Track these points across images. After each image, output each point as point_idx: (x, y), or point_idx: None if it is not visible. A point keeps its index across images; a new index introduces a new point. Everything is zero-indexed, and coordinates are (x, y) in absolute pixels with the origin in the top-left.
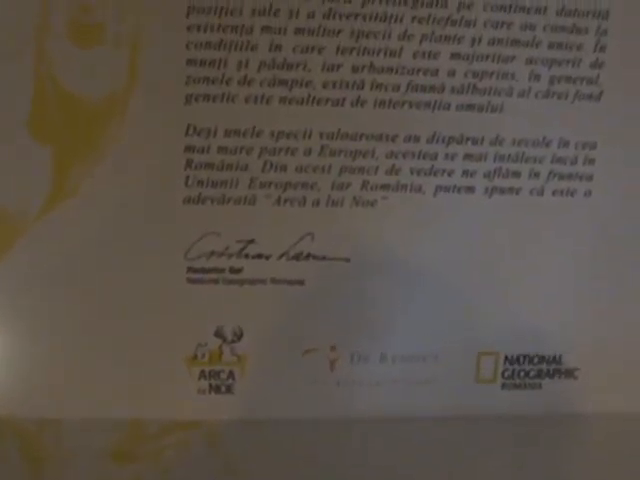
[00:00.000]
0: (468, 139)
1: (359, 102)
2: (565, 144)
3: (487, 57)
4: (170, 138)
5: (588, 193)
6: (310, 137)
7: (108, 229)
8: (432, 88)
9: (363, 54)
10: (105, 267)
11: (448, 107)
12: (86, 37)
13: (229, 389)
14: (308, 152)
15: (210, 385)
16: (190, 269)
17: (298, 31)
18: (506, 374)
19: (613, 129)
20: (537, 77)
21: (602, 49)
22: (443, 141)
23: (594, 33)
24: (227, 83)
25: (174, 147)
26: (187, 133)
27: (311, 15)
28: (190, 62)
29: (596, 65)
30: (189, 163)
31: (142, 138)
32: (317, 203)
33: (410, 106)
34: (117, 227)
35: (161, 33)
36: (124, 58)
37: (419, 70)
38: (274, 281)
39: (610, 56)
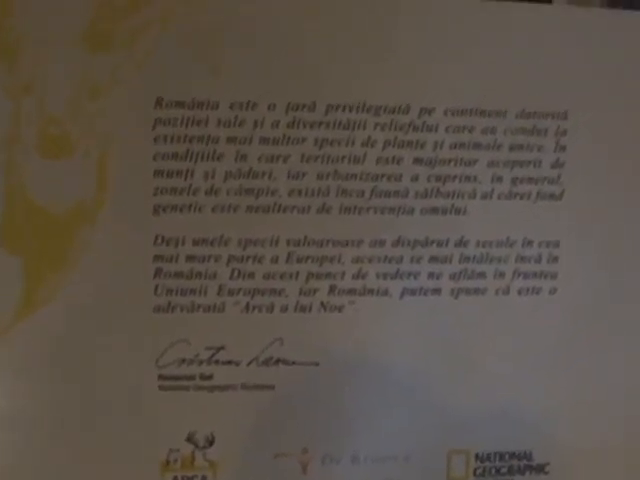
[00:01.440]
0: (433, 242)
1: (324, 209)
2: (529, 243)
3: (449, 161)
4: (139, 248)
5: (553, 291)
6: (277, 244)
7: (79, 338)
8: (396, 193)
9: (327, 162)
10: (75, 376)
11: (412, 211)
12: (55, 149)
13: None
14: (275, 259)
15: None
16: (161, 376)
17: (263, 140)
18: (478, 472)
19: (575, 227)
20: (499, 179)
21: (562, 149)
22: (408, 244)
23: (554, 134)
24: (194, 193)
25: (143, 256)
26: (156, 243)
27: (275, 125)
28: (157, 173)
29: (557, 165)
30: (158, 272)
31: (111, 248)
32: (285, 309)
33: (375, 211)
34: (88, 336)
35: (128, 145)
36: (92, 170)
37: (383, 176)
38: (245, 387)
39: (570, 156)
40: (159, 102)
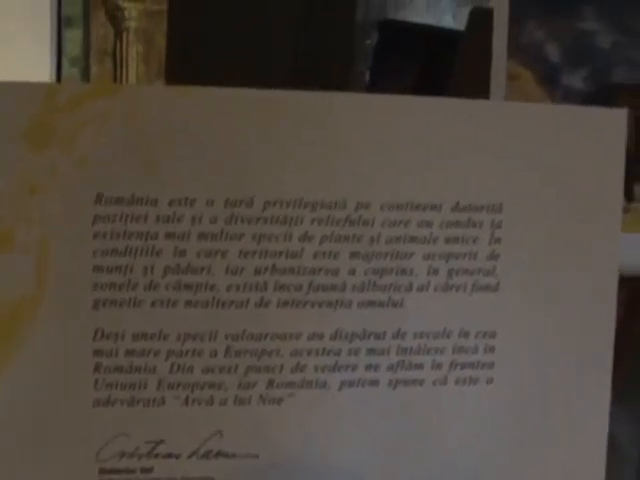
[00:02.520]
0: (371, 334)
1: (263, 303)
2: (465, 334)
3: (386, 255)
4: (79, 342)
5: (490, 381)
6: (216, 339)
7: (18, 432)
8: (333, 287)
9: (265, 256)
10: (14, 471)
11: (350, 305)
12: None
13: None
14: (214, 353)
15: None
16: (102, 470)
17: (201, 236)
18: None
19: (512, 318)
20: (435, 271)
21: (497, 241)
22: (346, 337)
23: (489, 226)
24: (133, 288)
25: (83, 351)
26: (95, 337)
27: (214, 220)
28: (97, 269)
29: (492, 257)
30: (98, 367)
31: (51, 343)
32: (225, 402)
33: (313, 305)
34: (28, 430)
35: (68, 241)
36: (32, 265)
37: (320, 270)
38: None
39: (505, 248)
40: (99, 198)
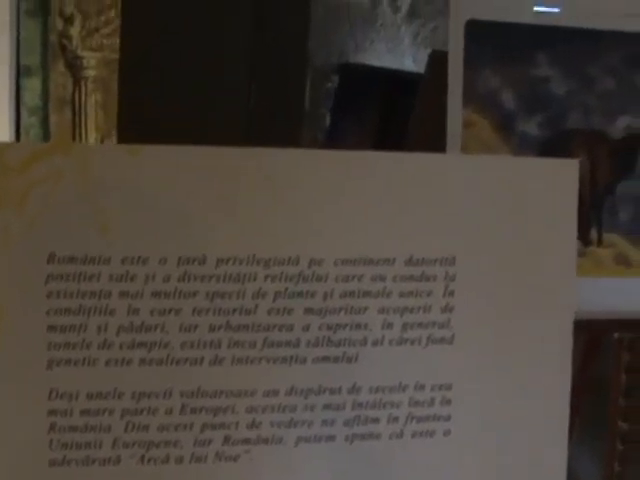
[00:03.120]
0: (326, 390)
1: (217, 360)
2: (421, 387)
3: (340, 310)
4: (33, 402)
5: (447, 433)
6: (171, 396)
7: None
8: (288, 343)
9: (219, 314)
10: None
11: (305, 361)
12: None
13: None
14: (169, 411)
15: None
16: None
17: (155, 294)
18: None
19: (467, 370)
20: (390, 325)
21: (451, 294)
22: (301, 393)
23: (443, 279)
24: (88, 347)
25: (37, 411)
26: (50, 397)
27: (167, 279)
28: (51, 328)
29: (446, 309)
30: (53, 426)
31: (5, 403)
32: (181, 460)
33: (267, 361)
34: None
35: (21, 301)
36: None
37: (274, 326)
38: None
39: (459, 300)
40: (51, 258)
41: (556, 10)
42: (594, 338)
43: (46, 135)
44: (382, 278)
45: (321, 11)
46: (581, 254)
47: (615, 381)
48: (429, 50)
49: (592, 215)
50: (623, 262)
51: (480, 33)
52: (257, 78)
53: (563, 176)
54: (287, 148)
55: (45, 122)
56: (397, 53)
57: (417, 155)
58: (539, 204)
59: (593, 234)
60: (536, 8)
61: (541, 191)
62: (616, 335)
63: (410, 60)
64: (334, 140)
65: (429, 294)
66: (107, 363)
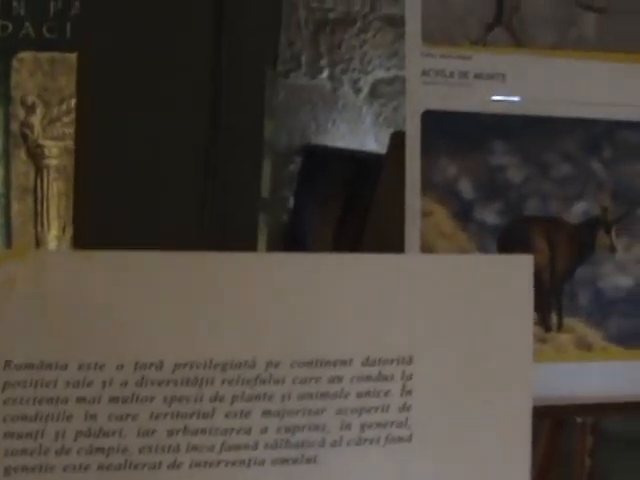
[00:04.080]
0: None
1: (176, 465)
2: None
3: (298, 412)
4: None
5: None
6: None
7: None
8: (246, 446)
9: (177, 418)
10: None
11: (263, 463)
12: None
13: None
14: None
15: None
16: None
17: (112, 400)
18: None
19: (425, 467)
20: (348, 426)
21: (409, 393)
22: None
23: (400, 378)
24: (45, 453)
25: None
26: None
27: (124, 384)
28: (7, 435)
29: (404, 409)
30: None
31: None
32: None
33: (226, 465)
34: None
35: None
36: None
37: (232, 429)
38: None
39: (417, 399)
40: (7, 365)
41: (515, 99)
42: (557, 423)
43: (7, 224)
44: (339, 379)
45: (282, 93)
46: (542, 340)
47: (579, 465)
48: (391, 130)
49: (552, 300)
50: (584, 346)
51: (437, 123)
52: (212, 174)
53: (518, 271)
54: (240, 252)
55: (7, 210)
56: (359, 134)
57: (372, 256)
58: (495, 299)
59: (553, 319)
60: (495, 97)
61: (497, 286)
62: (579, 420)
63: (372, 140)
64: (298, 223)
65: (387, 394)
66: (65, 469)
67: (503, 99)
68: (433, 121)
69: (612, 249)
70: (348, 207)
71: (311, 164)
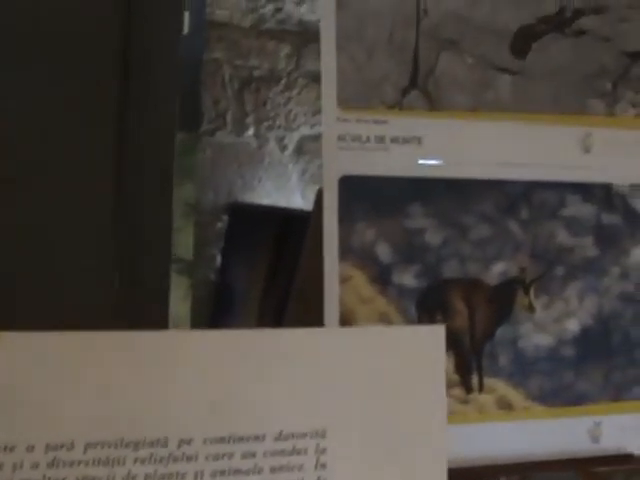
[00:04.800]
0: None
1: None
2: None
3: None
4: None
5: None
6: None
7: None
8: None
9: None
10: None
11: None
12: None
13: None
14: None
15: None
16: None
17: None
18: None
19: None
20: None
21: (322, 466)
22: None
23: (313, 452)
24: None
25: None
26: None
27: (35, 466)
28: None
29: None
30: None
31: None
32: None
33: None
34: None
35: None
36: None
37: None
38: None
39: (331, 472)
40: None
41: (432, 162)
42: None
43: None
44: (252, 455)
45: (208, 151)
46: (464, 402)
47: None
48: (317, 187)
49: (472, 362)
50: (505, 406)
51: (354, 188)
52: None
53: (430, 341)
54: (149, 330)
55: None
56: (285, 191)
57: (282, 332)
58: (408, 369)
59: (474, 380)
60: (412, 161)
61: (410, 357)
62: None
63: (299, 197)
64: (226, 281)
65: (300, 468)
66: None
67: (420, 162)
68: (350, 186)
69: (531, 309)
70: (276, 264)
71: (238, 222)
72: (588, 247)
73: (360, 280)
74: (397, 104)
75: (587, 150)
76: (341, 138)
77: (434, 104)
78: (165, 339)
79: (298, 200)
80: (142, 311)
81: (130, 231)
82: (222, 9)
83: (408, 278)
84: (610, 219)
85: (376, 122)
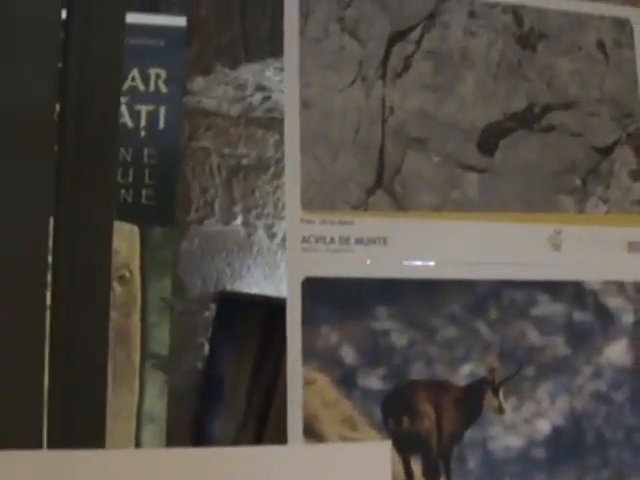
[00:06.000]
0: None
1: None
2: None
3: None
4: None
5: None
6: None
7: None
8: None
9: None
10: None
11: None
12: None
13: None
14: None
15: None
16: None
17: None
18: None
19: None
20: None
21: None
22: None
23: None
24: None
25: None
26: None
27: None
28: None
29: None
30: None
31: None
32: None
33: None
34: None
35: None
36: None
37: None
38: None
39: None
40: None
41: (398, 263)
42: None
43: None
44: None
45: (196, 240)
46: None
47: None
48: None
49: (440, 466)
50: None
51: (317, 290)
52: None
53: (375, 458)
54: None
55: None
56: (274, 279)
57: (228, 450)
58: None
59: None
60: (377, 262)
61: (354, 475)
62: None
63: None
64: (214, 369)
65: None
66: None
67: (385, 263)
68: (314, 288)
69: (501, 410)
70: (264, 353)
71: (226, 311)
72: (559, 346)
73: (324, 383)
74: (362, 204)
75: (557, 248)
76: (305, 240)
77: (400, 204)
78: (127, 458)
79: (285, 289)
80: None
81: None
82: (210, 98)
83: (373, 380)
84: (582, 317)
85: (341, 223)
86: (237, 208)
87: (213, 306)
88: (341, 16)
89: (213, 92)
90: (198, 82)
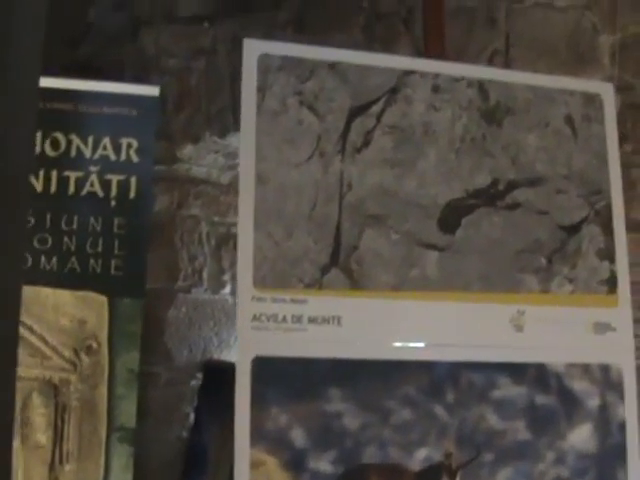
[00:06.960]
0: None
1: None
2: None
3: None
4: None
5: None
6: None
7: None
8: None
9: None
10: None
11: None
12: None
13: None
14: None
15: None
16: None
17: None
18: None
19: None
20: None
21: None
22: None
23: None
24: None
25: None
26: None
27: None
28: None
29: None
30: None
31: None
32: None
33: None
34: None
35: None
36: None
37: None
38: None
39: None
40: None
41: (352, 343)
42: None
43: None
44: None
45: (184, 308)
46: None
47: None
48: None
49: None
50: None
51: (268, 369)
52: None
53: None
54: None
55: None
56: None
57: None
58: None
59: None
60: (330, 341)
61: None
62: None
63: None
64: (199, 438)
65: None
66: None
67: (339, 343)
68: (264, 367)
69: None
70: None
71: (212, 380)
72: (520, 431)
73: (273, 466)
74: (316, 283)
75: (519, 329)
76: (256, 318)
77: (356, 282)
78: None
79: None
80: None
81: None
82: (199, 165)
83: (324, 463)
84: (544, 400)
85: (294, 301)
86: (226, 277)
87: (199, 375)
88: (300, 90)
89: (203, 160)
90: (188, 150)
